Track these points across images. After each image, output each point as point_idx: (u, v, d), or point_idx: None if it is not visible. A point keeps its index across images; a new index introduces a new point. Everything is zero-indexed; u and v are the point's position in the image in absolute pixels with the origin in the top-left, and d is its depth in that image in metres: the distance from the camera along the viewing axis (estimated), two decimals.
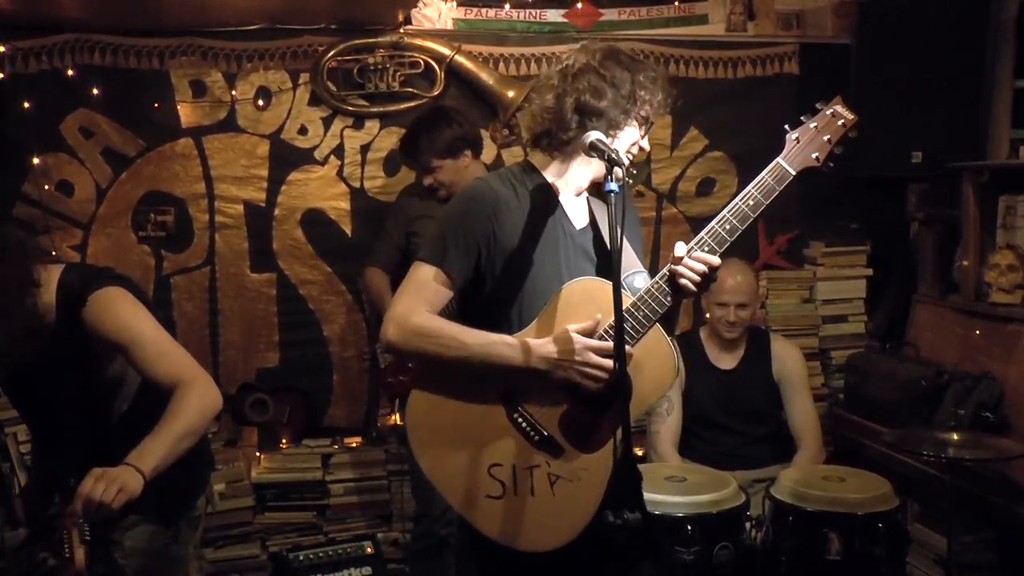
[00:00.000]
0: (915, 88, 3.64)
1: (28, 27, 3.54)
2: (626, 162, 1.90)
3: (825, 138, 2.02)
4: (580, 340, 1.91)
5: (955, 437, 2.93)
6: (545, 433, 1.98)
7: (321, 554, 3.45)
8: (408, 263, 3.44)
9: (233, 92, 3.75)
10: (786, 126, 2.03)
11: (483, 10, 3.89)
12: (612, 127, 1.99)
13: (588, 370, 1.91)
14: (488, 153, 3.79)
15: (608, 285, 1.83)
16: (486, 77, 3.82)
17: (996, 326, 3.43)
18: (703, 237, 1.95)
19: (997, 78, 3.71)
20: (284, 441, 3.86)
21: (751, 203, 1.96)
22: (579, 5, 3.90)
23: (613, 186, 1.80)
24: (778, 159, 2.00)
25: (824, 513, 2.91)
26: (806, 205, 4.01)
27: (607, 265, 2.01)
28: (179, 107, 3.73)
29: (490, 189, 2.03)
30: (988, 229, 3.62)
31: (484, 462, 1.99)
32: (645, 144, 2.07)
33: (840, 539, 2.87)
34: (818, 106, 2.06)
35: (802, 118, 2.05)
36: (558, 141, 2.03)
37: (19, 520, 2.88)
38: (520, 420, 1.98)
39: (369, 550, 3.51)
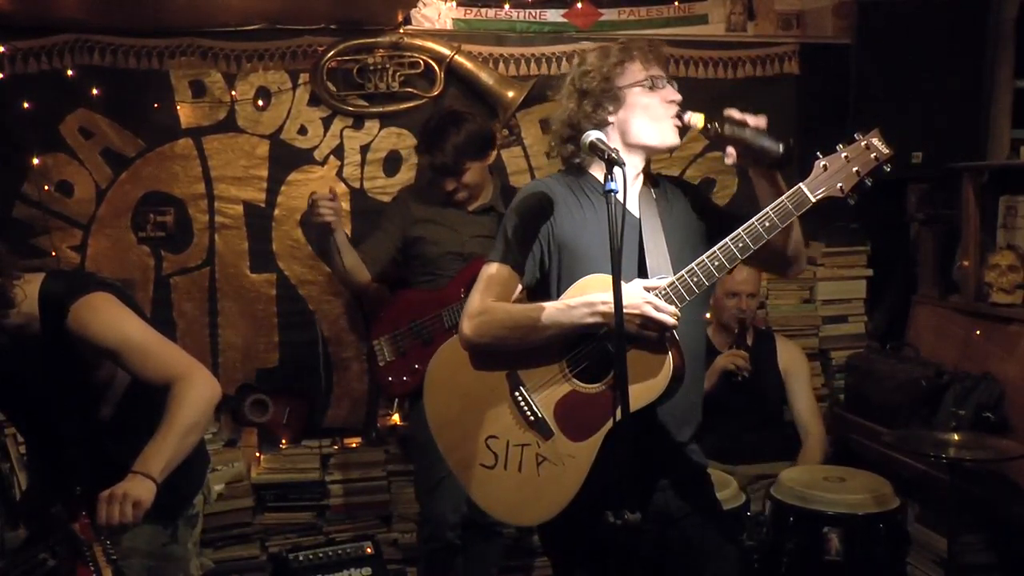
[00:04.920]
0: (915, 88, 3.63)
1: (28, 27, 3.53)
2: (616, 157, 1.89)
3: (854, 169, 1.94)
4: (644, 293, 1.93)
5: (955, 438, 2.93)
6: (539, 415, 2.05)
7: (321, 555, 3.46)
8: (403, 264, 3.49)
9: (233, 92, 3.74)
10: (818, 153, 1.96)
11: (483, 10, 3.88)
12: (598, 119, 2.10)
13: (652, 313, 1.92)
14: None
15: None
16: (486, 77, 3.81)
17: (996, 326, 3.44)
18: (715, 252, 1.96)
19: (997, 78, 3.72)
20: (284, 442, 3.85)
21: (766, 224, 1.94)
22: (579, 5, 3.90)
23: (613, 186, 1.81)
24: (800, 184, 1.95)
25: (824, 513, 2.92)
26: None
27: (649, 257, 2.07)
28: (179, 107, 3.72)
29: (546, 187, 2.13)
30: (988, 229, 3.62)
31: (483, 432, 2.09)
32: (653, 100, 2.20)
33: (840, 539, 2.88)
34: (856, 136, 1.97)
35: (838, 146, 1.97)
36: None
37: (19, 520, 2.88)
38: (519, 399, 2.07)
39: (369, 550, 3.52)
